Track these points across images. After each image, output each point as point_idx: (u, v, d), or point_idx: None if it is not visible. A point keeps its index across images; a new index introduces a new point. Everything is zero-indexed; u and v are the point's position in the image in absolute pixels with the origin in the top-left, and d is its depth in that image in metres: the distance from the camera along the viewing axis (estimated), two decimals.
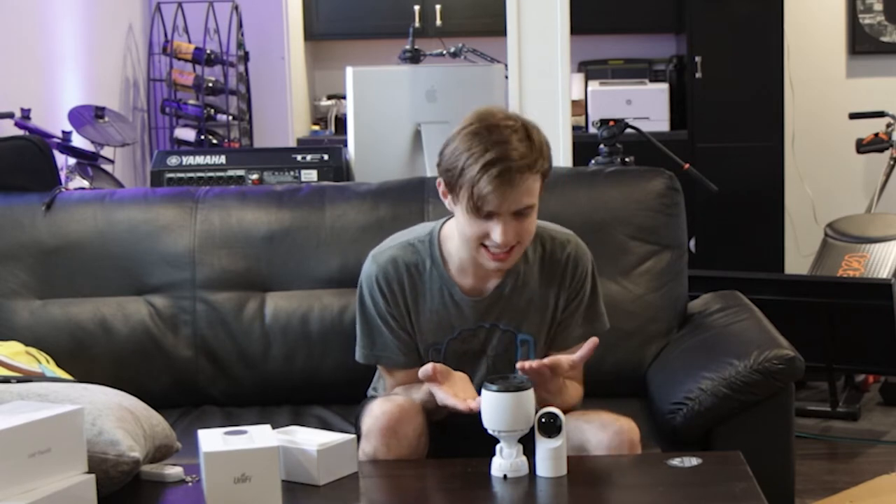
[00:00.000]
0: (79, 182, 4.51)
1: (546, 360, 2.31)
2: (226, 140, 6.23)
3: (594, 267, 2.57)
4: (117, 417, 2.15)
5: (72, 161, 4.72)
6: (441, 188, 2.40)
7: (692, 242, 5.58)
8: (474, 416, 2.23)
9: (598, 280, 2.58)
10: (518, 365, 2.31)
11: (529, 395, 2.17)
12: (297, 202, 3.13)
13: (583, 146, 4.66)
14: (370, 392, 2.68)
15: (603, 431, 2.33)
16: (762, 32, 6.20)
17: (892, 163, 5.60)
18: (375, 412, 2.35)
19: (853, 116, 5.82)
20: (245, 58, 6.25)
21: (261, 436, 2.10)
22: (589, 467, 2.28)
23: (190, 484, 2.19)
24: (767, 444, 2.58)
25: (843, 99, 6.41)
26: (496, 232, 2.31)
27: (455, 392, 2.33)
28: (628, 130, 4.35)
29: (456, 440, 2.46)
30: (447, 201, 2.41)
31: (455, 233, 2.46)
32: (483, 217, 2.32)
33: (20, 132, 4.18)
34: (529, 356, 2.50)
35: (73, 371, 2.86)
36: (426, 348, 2.51)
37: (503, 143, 2.28)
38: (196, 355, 3.02)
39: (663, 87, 6.47)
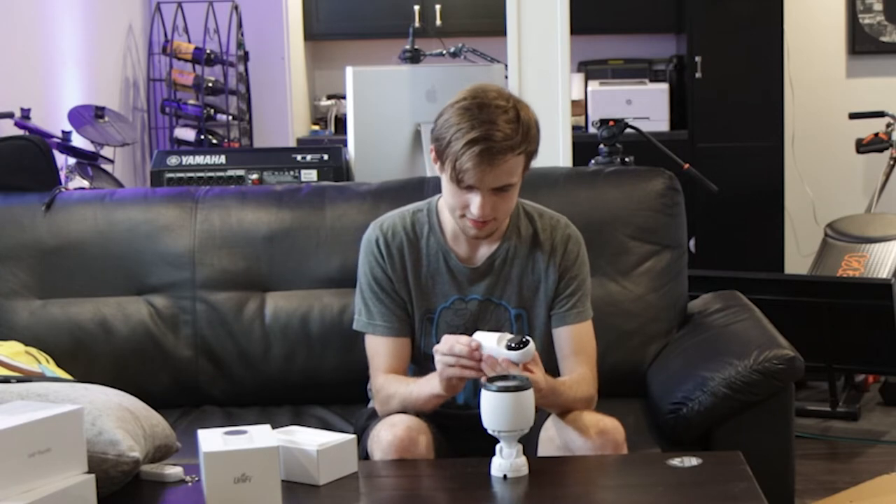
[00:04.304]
0: (79, 182, 4.50)
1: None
2: (226, 140, 6.22)
3: (585, 250, 2.60)
4: (117, 417, 2.15)
5: (72, 161, 4.71)
6: (433, 154, 2.49)
7: (692, 242, 5.58)
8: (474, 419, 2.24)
9: (588, 268, 2.61)
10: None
11: (529, 394, 2.17)
12: (297, 202, 3.13)
13: (583, 146, 4.65)
14: (369, 392, 2.68)
15: (586, 433, 2.34)
16: (762, 32, 6.20)
17: (891, 163, 5.60)
18: (384, 442, 2.34)
19: (853, 116, 5.82)
20: (245, 58, 6.25)
21: (261, 436, 2.10)
22: (589, 467, 2.29)
23: (190, 484, 2.19)
24: (767, 444, 2.58)
25: (843, 99, 6.41)
26: (474, 205, 2.41)
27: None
28: (628, 130, 4.34)
29: (456, 440, 2.47)
30: (437, 167, 2.49)
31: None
32: (463, 189, 2.41)
33: (20, 132, 4.17)
34: (524, 331, 2.52)
35: (73, 371, 2.86)
36: (421, 316, 2.55)
37: (490, 123, 2.36)
38: (196, 355, 3.02)
39: (663, 87, 6.47)
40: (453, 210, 2.46)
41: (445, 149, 2.39)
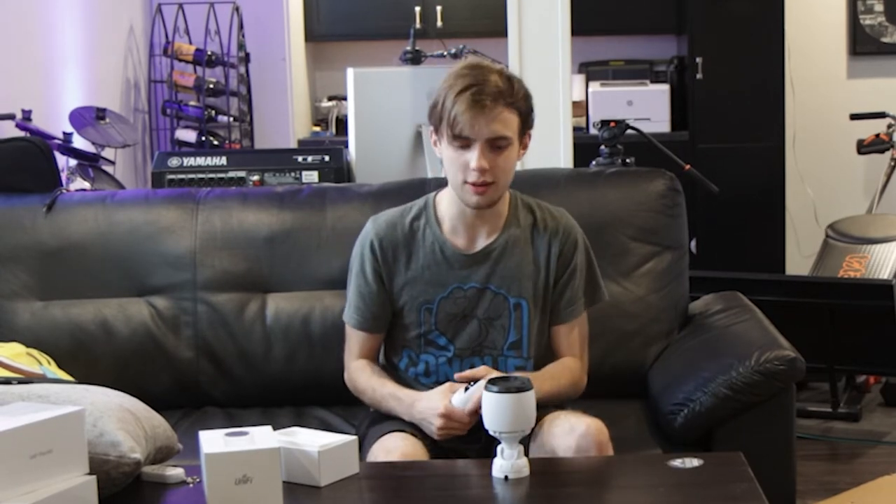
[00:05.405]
0: (80, 183, 4.50)
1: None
2: (227, 141, 6.22)
3: (586, 241, 2.65)
4: (118, 419, 2.15)
5: (73, 162, 4.72)
6: (432, 137, 2.55)
7: (693, 243, 5.56)
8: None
9: (592, 254, 2.66)
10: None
11: (530, 395, 2.17)
12: (298, 203, 3.13)
13: (584, 147, 4.66)
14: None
15: (570, 435, 2.35)
16: (763, 33, 6.20)
17: (892, 163, 5.60)
18: (381, 461, 2.38)
19: (854, 117, 5.82)
20: (246, 59, 6.25)
21: (262, 437, 2.10)
22: (590, 468, 2.29)
23: (191, 485, 2.19)
24: (768, 445, 2.58)
25: (844, 100, 6.41)
26: (472, 158, 2.44)
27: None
28: (629, 131, 4.34)
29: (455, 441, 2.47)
30: (437, 149, 2.54)
31: (447, 196, 2.59)
32: (461, 146, 2.44)
33: (21, 133, 4.18)
34: (523, 321, 2.56)
35: (75, 372, 2.86)
36: (419, 307, 2.57)
37: (481, 76, 2.44)
38: (197, 356, 3.02)
39: (664, 88, 6.47)
40: (455, 179, 2.49)
41: (440, 111, 2.46)
